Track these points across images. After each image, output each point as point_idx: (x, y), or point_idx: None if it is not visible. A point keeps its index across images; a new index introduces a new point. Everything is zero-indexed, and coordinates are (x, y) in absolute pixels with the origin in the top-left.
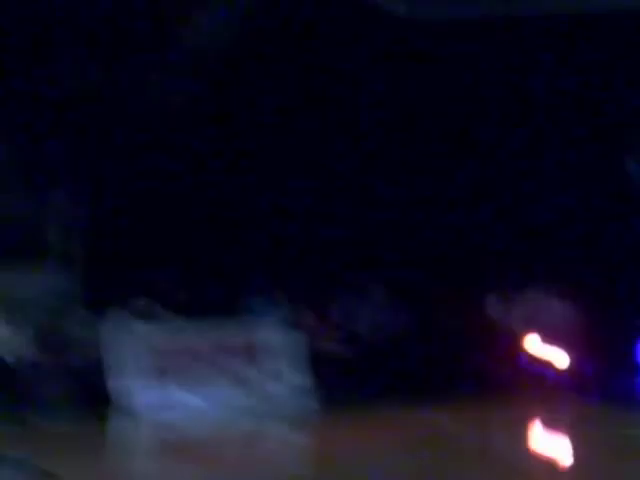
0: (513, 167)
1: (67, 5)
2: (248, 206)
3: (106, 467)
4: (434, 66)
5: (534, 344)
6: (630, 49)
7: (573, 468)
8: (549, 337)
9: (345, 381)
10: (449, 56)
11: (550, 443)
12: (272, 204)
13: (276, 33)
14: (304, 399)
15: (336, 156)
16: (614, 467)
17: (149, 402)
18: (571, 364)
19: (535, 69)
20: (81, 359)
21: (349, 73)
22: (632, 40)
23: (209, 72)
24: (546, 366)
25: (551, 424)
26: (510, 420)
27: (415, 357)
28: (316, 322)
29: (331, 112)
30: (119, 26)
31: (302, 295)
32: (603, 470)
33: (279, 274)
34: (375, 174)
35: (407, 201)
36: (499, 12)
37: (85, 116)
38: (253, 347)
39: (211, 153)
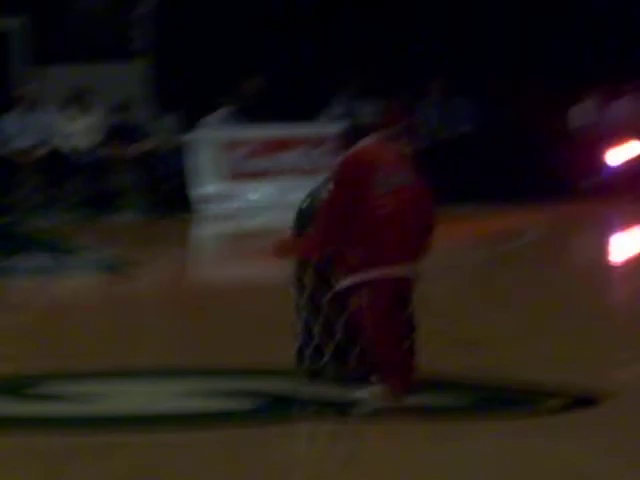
0: None
1: None
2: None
3: (176, 256)
4: None
5: (616, 152)
6: None
7: None
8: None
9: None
10: None
11: (628, 249)
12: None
13: None
14: None
15: None
16: None
17: (222, 203)
18: None
19: None
20: (156, 154)
21: None
22: None
23: None
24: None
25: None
26: (590, 224)
27: (493, 160)
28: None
29: None
30: None
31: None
32: None
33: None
34: None
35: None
36: None
37: None
38: (315, 142)
39: None
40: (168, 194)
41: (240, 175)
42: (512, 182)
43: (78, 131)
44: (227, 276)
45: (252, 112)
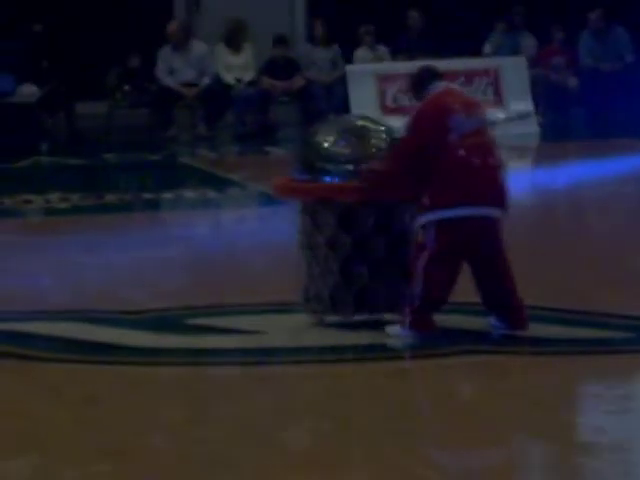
0: None
1: None
2: None
3: None
4: None
5: None
6: None
7: None
8: None
9: (567, 108)
10: None
11: None
12: None
13: None
14: (527, 125)
15: None
16: None
17: None
18: None
19: None
20: (311, 87)
21: None
22: None
23: None
24: None
25: None
26: None
27: None
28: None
29: None
30: None
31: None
32: None
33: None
34: None
35: None
36: None
37: None
38: (476, 75)
39: None
40: None
41: (394, 110)
42: None
43: (238, 64)
44: None
45: (412, 46)
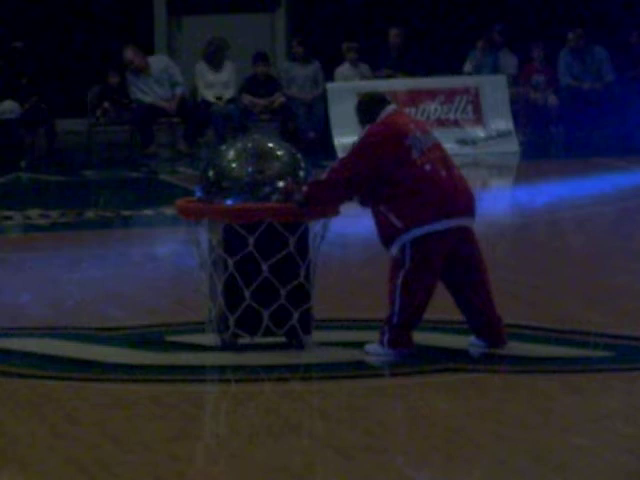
0: None
1: None
2: None
3: None
4: None
5: None
6: None
7: None
8: None
9: (547, 127)
10: None
11: None
12: None
13: None
14: (507, 144)
15: None
16: None
17: None
18: None
19: None
20: (291, 104)
21: None
22: None
23: None
24: None
25: None
26: None
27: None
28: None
29: None
30: None
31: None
32: None
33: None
34: None
35: None
36: None
37: None
38: (456, 93)
39: None
40: (309, 144)
41: None
42: None
43: (218, 82)
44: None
45: (393, 64)
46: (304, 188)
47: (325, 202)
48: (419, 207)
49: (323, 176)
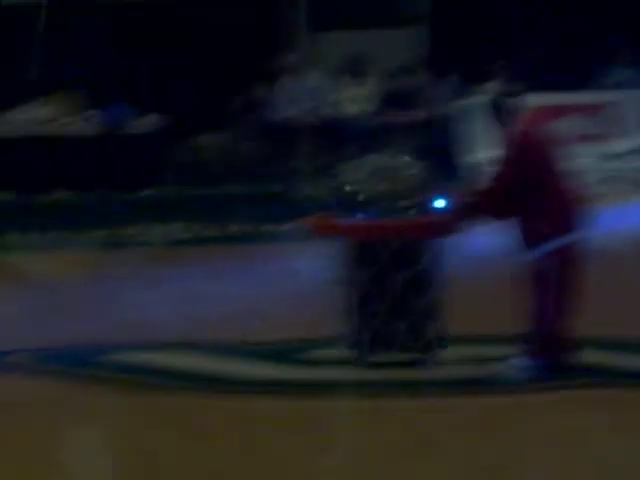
0: None
1: None
2: None
3: None
4: None
5: None
6: None
7: None
8: None
9: None
10: None
11: None
12: None
13: None
14: None
15: None
16: None
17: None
18: None
19: None
20: (427, 118)
21: None
22: None
23: None
24: None
25: None
26: None
27: None
28: None
29: None
30: None
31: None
32: None
33: None
34: None
35: None
36: None
37: None
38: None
39: None
40: (448, 159)
41: None
42: None
43: (348, 99)
44: None
45: (527, 81)
46: (469, 198)
47: (488, 211)
48: (564, 215)
49: (487, 186)
